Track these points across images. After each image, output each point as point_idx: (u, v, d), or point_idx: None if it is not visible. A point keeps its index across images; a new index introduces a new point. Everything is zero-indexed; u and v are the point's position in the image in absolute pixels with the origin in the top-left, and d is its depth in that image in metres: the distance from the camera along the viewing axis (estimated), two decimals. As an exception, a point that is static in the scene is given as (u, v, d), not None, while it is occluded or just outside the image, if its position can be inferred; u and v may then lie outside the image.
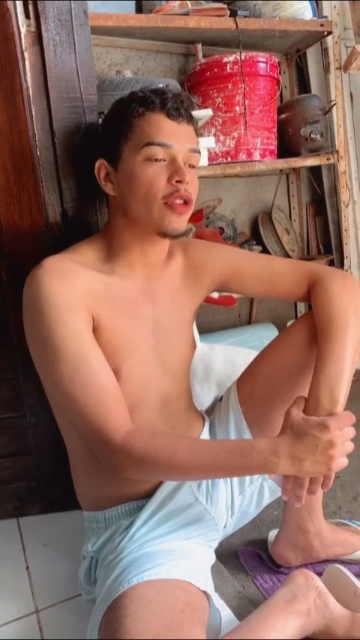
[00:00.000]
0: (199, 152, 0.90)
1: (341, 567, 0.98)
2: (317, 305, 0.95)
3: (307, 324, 0.97)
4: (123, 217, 0.91)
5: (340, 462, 0.78)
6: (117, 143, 0.88)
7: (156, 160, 0.85)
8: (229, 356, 1.47)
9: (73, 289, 0.82)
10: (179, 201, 0.86)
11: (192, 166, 0.89)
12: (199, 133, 0.93)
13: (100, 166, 0.91)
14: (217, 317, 2.17)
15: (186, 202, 0.87)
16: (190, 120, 0.89)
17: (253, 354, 1.07)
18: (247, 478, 1.00)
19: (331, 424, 0.77)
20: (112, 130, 0.89)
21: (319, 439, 0.76)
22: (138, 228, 0.90)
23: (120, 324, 0.88)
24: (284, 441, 0.78)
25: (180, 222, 0.88)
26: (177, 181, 0.85)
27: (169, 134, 0.85)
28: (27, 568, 1.15)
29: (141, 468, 0.81)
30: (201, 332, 1.94)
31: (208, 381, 1.40)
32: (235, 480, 1.00)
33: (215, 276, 1.02)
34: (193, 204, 0.89)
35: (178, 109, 0.86)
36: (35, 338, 0.84)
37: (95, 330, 0.85)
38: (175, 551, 0.89)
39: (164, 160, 0.86)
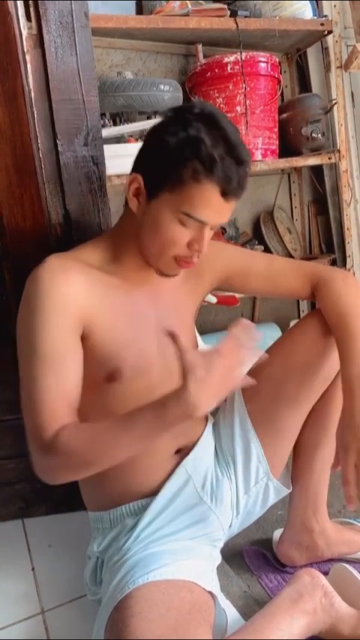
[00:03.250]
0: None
1: (348, 566, 0.98)
2: (326, 303, 0.96)
3: (311, 324, 0.98)
4: (133, 232, 0.89)
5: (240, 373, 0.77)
6: (161, 183, 0.82)
7: (186, 225, 0.83)
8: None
9: (71, 289, 0.82)
10: (188, 261, 0.87)
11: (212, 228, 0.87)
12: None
13: (134, 181, 0.85)
14: (219, 317, 2.17)
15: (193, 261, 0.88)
16: (240, 196, 0.85)
17: (258, 356, 1.07)
18: (252, 478, 1.00)
19: (224, 346, 0.75)
20: (161, 164, 0.81)
21: (215, 363, 0.74)
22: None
23: (121, 325, 0.88)
24: (189, 384, 0.73)
25: (180, 270, 0.90)
26: (195, 250, 0.85)
27: (212, 213, 0.82)
28: (32, 569, 1.15)
29: (68, 465, 0.77)
30: (203, 332, 1.94)
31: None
32: (240, 479, 1.00)
33: (216, 275, 1.02)
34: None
35: (236, 190, 0.82)
36: (19, 330, 0.84)
37: (94, 332, 0.85)
38: (180, 552, 0.89)
39: (192, 226, 0.84)
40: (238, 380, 0.77)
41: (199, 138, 0.78)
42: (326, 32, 1.88)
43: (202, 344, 1.44)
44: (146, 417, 0.76)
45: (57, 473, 0.79)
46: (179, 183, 0.80)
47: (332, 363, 0.96)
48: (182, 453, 0.98)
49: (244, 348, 0.78)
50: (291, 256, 2.04)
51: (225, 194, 0.80)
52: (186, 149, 0.78)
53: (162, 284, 0.95)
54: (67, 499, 1.27)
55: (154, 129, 0.86)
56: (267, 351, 1.05)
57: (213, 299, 1.59)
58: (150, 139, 0.87)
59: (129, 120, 1.62)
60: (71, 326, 0.82)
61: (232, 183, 0.80)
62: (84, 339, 0.84)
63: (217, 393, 0.75)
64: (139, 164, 0.87)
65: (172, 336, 0.77)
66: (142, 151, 0.88)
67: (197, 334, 1.16)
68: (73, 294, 0.82)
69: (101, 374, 0.87)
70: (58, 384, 0.79)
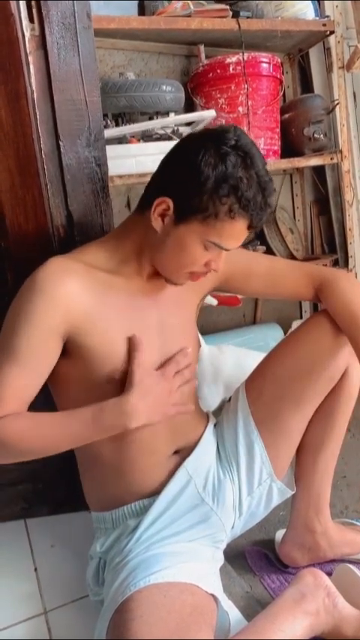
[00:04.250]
0: None
1: (351, 566, 0.98)
2: (335, 302, 0.97)
3: (316, 325, 0.99)
4: (146, 241, 0.89)
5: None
6: (193, 212, 0.82)
7: (208, 250, 0.86)
8: (239, 358, 1.46)
9: (67, 291, 0.83)
10: (201, 276, 0.91)
11: None
12: None
13: (163, 204, 0.84)
14: (221, 317, 2.17)
15: None
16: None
17: (262, 357, 1.07)
18: (256, 479, 1.00)
19: (168, 372, 0.88)
20: (196, 195, 0.80)
21: (160, 385, 0.86)
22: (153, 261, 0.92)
23: (121, 326, 0.88)
24: (132, 396, 0.83)
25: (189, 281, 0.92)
26: (212, 269, 0.89)
27: (236, 242, 0.87)
28: (35, 569, 1.15)
29: (2, 449, 0.83)
30: (205, 332, 1.94)
31: (216, 383, 1.40)
32: (244, 480, 1.00)
33: (218, 275, 1.02)
34: None
35: (261, 224, 0.87)
36: (5, 320, 0.85)
37: (90, 333, 0.85)
38: (181, 554, 0.89)
39: (213, 249, 0.87)
40: (173, 408, 0.88)
41: (238, 176, 0.80)
42: (328, 33, 1.88)
43: (205, 344, 1.44)
44: (84, 418, 0.82)
45: None
46: (214, 216, 0.82)
47: (337, 364, 0.96)
48: (182, 453, 0.98)
49: (182, 376, 0.90)
50: (293, 256, 2.04)
51: (251, 227, 0.85)
52: (224, 185, 0.79)
53: (164, 285, 0.95)
54: (69, 500, 1.27)
55: (186, 152, 0.84)
56: (271, 352, 1.06)
57: (214, 301, 1.58)
58: (181, 162, 0.84)
59: (131, 120, 1.62)
60: (53, 330, 0.83)
61: (262, 219, 0.85)
62: (76, 341, 0.85)
63: (153, 412, 0.85)
64: (169, 186, 0.85)
65: (137, 346, 0.86)
66: (170, 172, 0.87)
67: (199, 334, 1.16)
68: (67, 296, 0.83)
69: (101, 374, 0.87)
70: (17, 381, 0.81)
